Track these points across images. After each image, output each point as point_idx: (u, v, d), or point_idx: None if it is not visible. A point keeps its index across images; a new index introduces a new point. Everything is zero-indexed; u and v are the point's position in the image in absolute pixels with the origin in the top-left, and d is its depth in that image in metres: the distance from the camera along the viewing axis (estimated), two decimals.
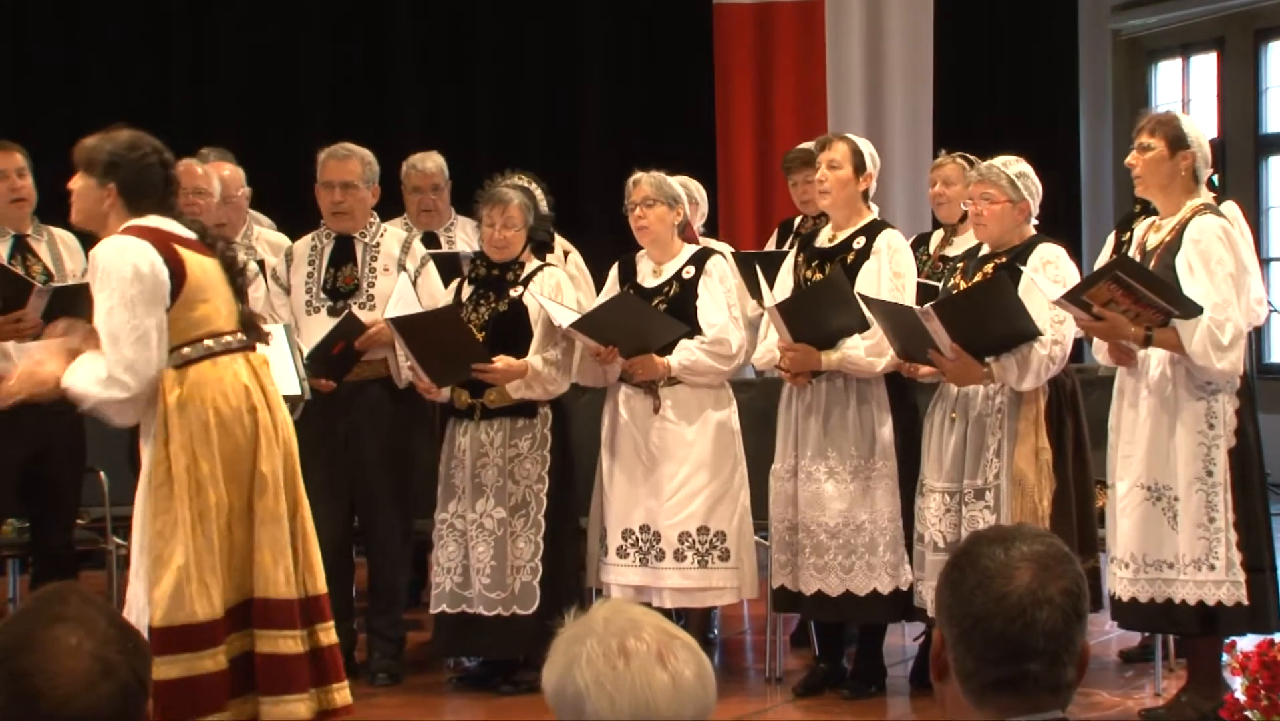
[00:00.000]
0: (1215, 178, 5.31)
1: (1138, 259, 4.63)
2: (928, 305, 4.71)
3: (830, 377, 5.00)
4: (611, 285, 5.35)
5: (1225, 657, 4.15)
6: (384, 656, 5.33)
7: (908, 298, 4.96)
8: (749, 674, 5.58)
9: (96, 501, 5.43)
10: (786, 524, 5.06)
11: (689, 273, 5.20)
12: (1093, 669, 4.22)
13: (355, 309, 5.26)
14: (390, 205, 5.93)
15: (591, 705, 1.71)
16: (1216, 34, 9.63)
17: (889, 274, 4.97)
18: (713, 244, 5.92)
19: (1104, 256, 5.31)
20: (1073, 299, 4.52)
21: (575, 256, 5.97)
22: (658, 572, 5.09)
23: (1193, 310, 4.44)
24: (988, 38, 9.48)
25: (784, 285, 5.21)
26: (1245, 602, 4.48)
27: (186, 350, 3.84)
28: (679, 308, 5.14)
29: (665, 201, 5.18)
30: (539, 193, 5.32)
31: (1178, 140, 4.60)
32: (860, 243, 5.05)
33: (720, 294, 5.17)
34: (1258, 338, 8.58)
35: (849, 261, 5.03)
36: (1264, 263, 8.46)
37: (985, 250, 4.91)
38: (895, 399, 5.00)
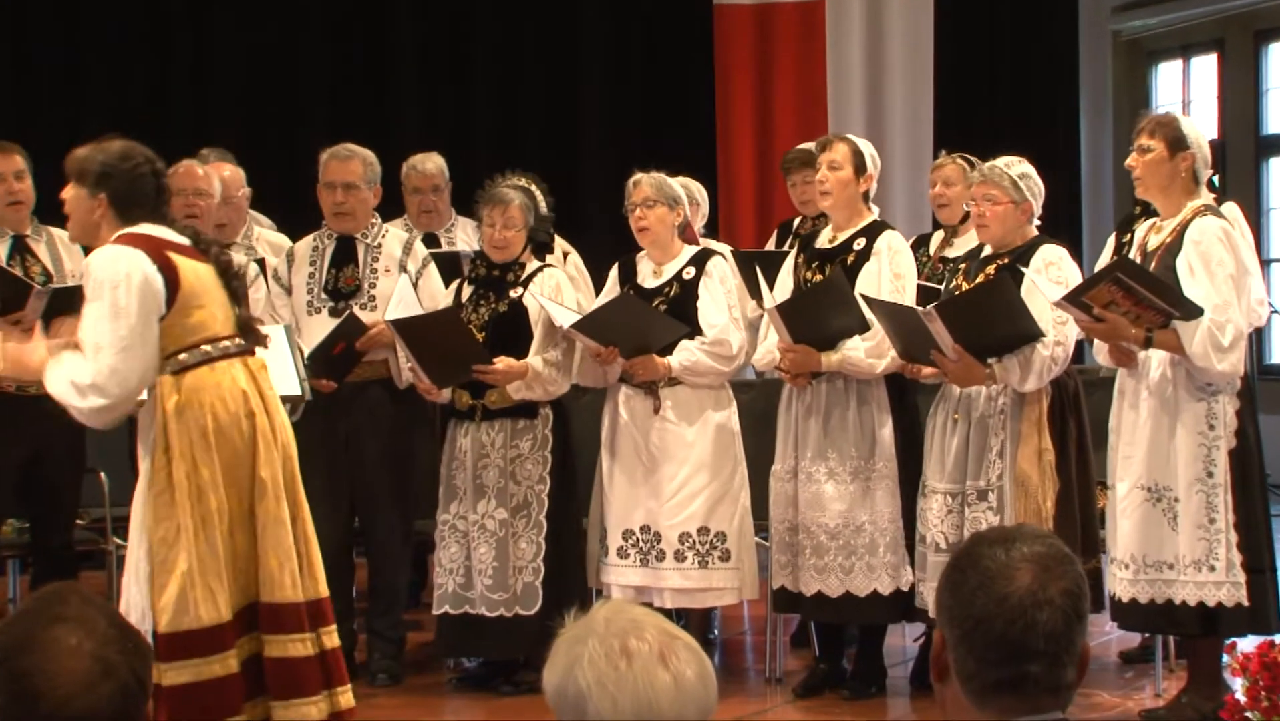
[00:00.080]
0: (1216, 179, 5.31)
1: (1138, 260, 4.63)
2: (930, 306, 4.71)
3: (830, 379, 4.99)
4: (611, 286, 5.35)
5: (1225, 658, 4.15)
6: (384, 657, 5.33)
7: (908, 299, 4.96)
8: (749, 674, 5.58)
9: (96, 502, 5.43)
10: (787, 525, 5.06)
11: (689, 273, 5.20)
12: (1093, 669, 4.22)
13: (356, 309, 5.26)
14: (390, 206, 5.93)
15: (594, 705, 1.71)
16: (1217, 35, 9.63)
17: (889, 275, 4.97)
18: (713, 244, 5.92)
19: (1104, 258, 5.30)
20: (1073, 300, 4.52)
21: (574, 257, 5.97)
22: (658, 573, 5.09)
23: (1193, 311, 4.44)
24: (988, 38, 9.48)
25: (784, 286, 5.21)
26: (1245, 603, 4.48)
27: (183, 356, 3.84)
28: (679, 308, 5.14)
29: (665, 202, 5.18)
30: (539, 193, 5.32)
31: (1177, 141, 4.60)
32: (860, 244, 5.05)
33: (721, 295, 5.17)
34: (1258, 339, 8.58)
35: (849, 262, 5.03)
36: (1264, 264, 8.46)
37: (987, 251, 4.91)
38: (895, 400, 5.00)
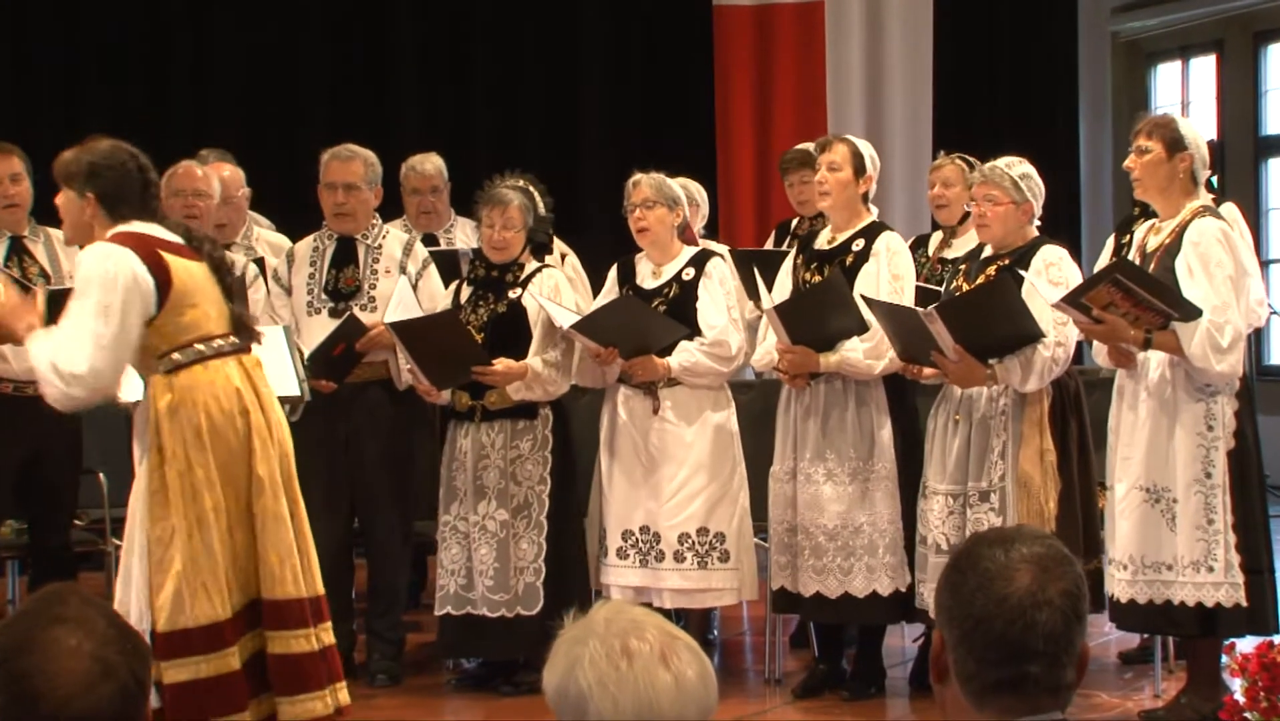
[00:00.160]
0: (1215, 179, 5.31)
1: (1137, 261, 4.63)
2: (931, 306, 4.71)
3: (829, 380, 5.00)
4: (610, 286, 5.35)
5: (1224, 659, 4.15)
6: (383, 658, 5.33)
7: (906, 300, 4.96)
8: (748, 675, 5.58)
9: (95, 502, 5.42)
10: (786, 525, 5.06)
11: (689, 274, 5.20)
12: (1092, 670, 4.22)
13: (356, 310, 5.26)
14: (390, 207, 5.93)
15: (595, 706, 1.71)
16: (1216, 36, 9.63)
17: (888, 276, 4.98)
18: (713, 245, 5.92)
19: (1104, 259, 5.30)
20: (1072, 302, 4.52)
21: (572, 259, 5.97)
22: (657, 573, 5.10)
23: (1192, 312, 4.44)
24: (987, 39, 9.49)
25: (783, 287, 5.21)
26: (1244, 604, 4.48)
27: (176, 355, 3.84)
28: (679, 309, 5.14)
29: (665, 203, 5.18)
30: (537, 194, 5.32)
31: (1175, 143, 4.60)
32: (859, 245, 5.05)
33: (720, 296, 5.17)
34: (1257, 340, 8.58)
35: (848, 263, 5.03)
36: (1264, 264, 8.46)
37: (988, 252, 4.91)
38: (894, 401, 5.00)
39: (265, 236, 5.94)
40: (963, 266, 5.05)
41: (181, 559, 3.77)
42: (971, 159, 5.57)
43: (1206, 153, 4.71)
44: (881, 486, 4.96)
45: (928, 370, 4.81)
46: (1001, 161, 4.86)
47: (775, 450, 5.12)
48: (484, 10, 9.12)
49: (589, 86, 9.16)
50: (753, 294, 5.48)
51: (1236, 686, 3.92)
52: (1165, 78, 10.05)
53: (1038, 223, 4.89)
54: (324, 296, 5.34)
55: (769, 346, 5.09)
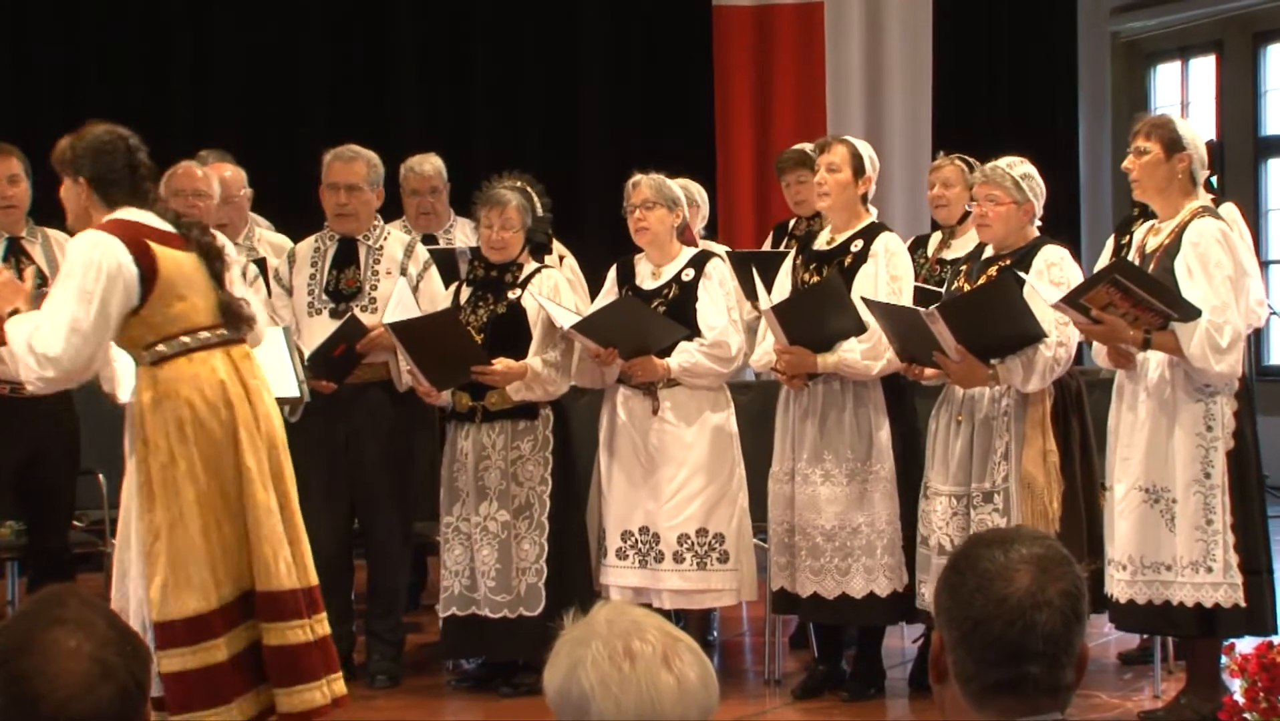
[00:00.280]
0: (1215, 179, 5.30)
1: (1136, 262, 4.63)
2: (933, 306, 4.71)
3: (827, 380, 5.00)
4: (610, 287, 5.35)
5: (1224, 660, 4.15)
6: (383, 659, 5.33)
7: (904, 301, 4.96)
8: (748, 676, 5.58)
9: (94, 504, 5.42)
10: (785, 526, 5.06)
11: (688, 275, 5.20)
12: (1092, 671, 4.22)
13: (357, 311, 5.26)
14: (390, 207, 5.93)
15: (597, 706, 1.71)
16: (1215, 36, 9.63)
17: (886, 277, 4.97)
18: (713, 246, 5.92)
19: (1103, 260, 5.30)
20: (1071, 302, 4.52)
21: (570, 260, 5.96)
22: (657, 574, 5.10)
23: (1191, 313, 4.44)
24: (987, 40, 9.49)
25: (782, 288, 5.21)
26: (1243, 605, 4.48)
27: (161, 347, 3.85)
28: (678, 310, 5.14)
29: (665, 204, 5.18)
30: (535, 195, 5.32)
31: (1173, 143, 4.60)
32: (858, 245, 5.05)
33: (720, 296, 5.17)
34: (1257, 340, 8.58)
35: (846, 264, 5.03)
36: (1263, 265, 8.47)
37: (989, 252, 4.91)
38: (892, 402, 4.99)
39: (267, 237, 5.94)
40: (964, 267, 5.05)
41: (166, 551, 3.79)
42: (971, 159, 5.57)
43: (1205, 153, 4.71)
44: (879, 487, 4.96)
45: (929, 371, 4.81)
46: (1003, 161, 4.86)
47: (774, 451, 5.12)
48: (484, 10, 9.12)
49: (589, 87, 9.16)
50: (751, 295, 5.48)
51: (1236, 687, 3.92)
52: (1165, 78, 10.05)
53: (1038, 223, 4.89)
54: (325, 297, 5.34)
55: (768, 347, 5.09)
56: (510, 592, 5.09)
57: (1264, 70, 9.49)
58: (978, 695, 1.87)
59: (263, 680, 3.89)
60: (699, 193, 6.15)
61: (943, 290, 5.15)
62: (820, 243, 5.17)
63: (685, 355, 5.09)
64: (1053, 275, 4.71)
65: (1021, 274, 4.70)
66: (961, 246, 5.56)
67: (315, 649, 3.92)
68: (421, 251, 5.45)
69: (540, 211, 5.30)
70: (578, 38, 9.19)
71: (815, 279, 5.08)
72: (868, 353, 4.90)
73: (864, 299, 4.88)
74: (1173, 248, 4.55)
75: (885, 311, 4.81)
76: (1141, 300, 4.44)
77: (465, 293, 5.31)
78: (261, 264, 5.45)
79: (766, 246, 6.53)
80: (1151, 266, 4.57)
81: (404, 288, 5.20)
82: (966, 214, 5.54)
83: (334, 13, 8.96)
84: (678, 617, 5.13)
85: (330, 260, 5.37)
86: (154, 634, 3.76)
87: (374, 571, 5.50)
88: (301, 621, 3.90)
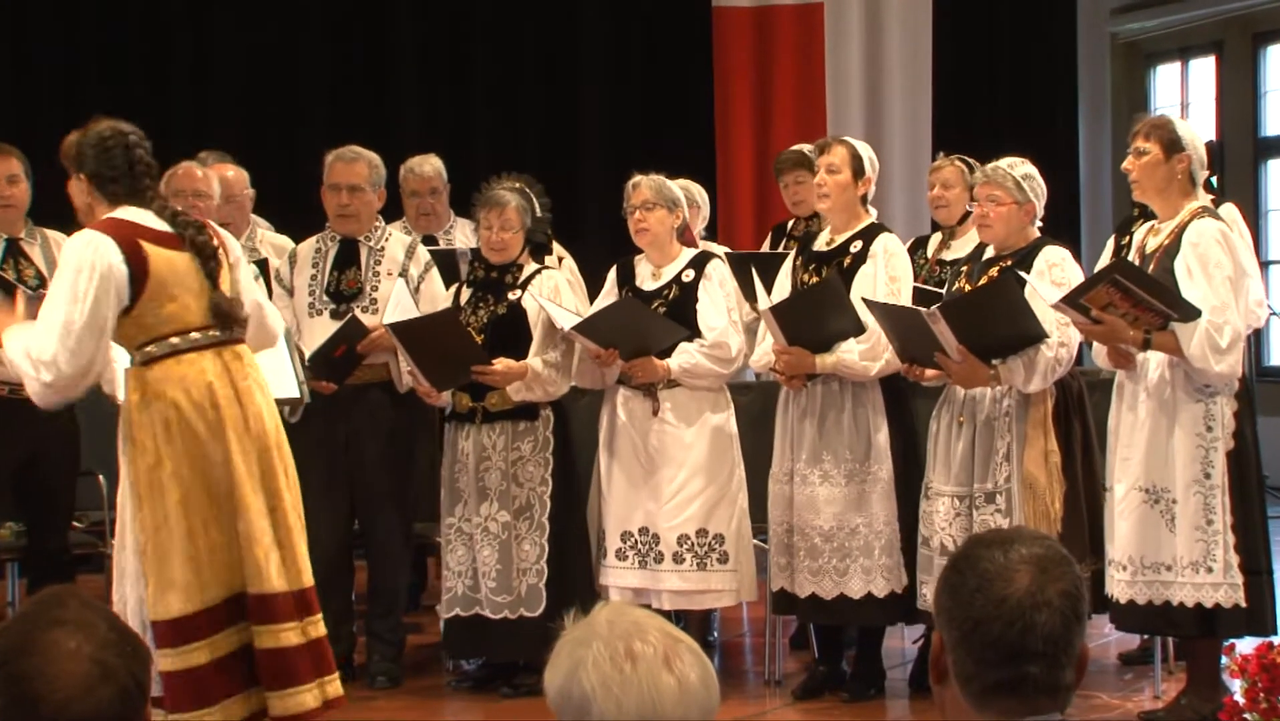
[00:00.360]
0: (1215, 180, 5.30)
1: (1136, 263, 4.63)
2: (934, 307, 4.71)
3: (826, 381, 5.00)
4: (610, 288, 5.35)
5: (1224, 660, 4.15)
6: (383, 659, 5.33)
7: (903, 302, 4.96)
8: (748, 676, 5.58)
9: (94, 504, 5.42)
10: (785, 526, 5.06)
11: (688, 276, 5.20)
12: (1092, 671, 4.22)
13: (358, 312, 5.26)
14: (390, 208, 5.93)
15: (598, 707, 1.71)
16: (1215, 37, 9.63)
17: (885, 278, 4.98)
18: (713, 247, 5.92)
19: (1104, 261, 5.30)
20: (1071, 302, 4.52)
21: (569, 262, 5.97)
22: (656, 575, 5.10)
23: (1191, 313, 4.44)
24: (987, 40, 9.49)
25: (782, 288, 5.21)
26: (1243, 605, 4.48)
27: (151, 348, 3.85)
28: (678, 311, 5.14)
29: (665, 205, 5.18)
30: (534, 195, 5.32)
31: (1172, 144, 4.60)
32: (857, 246, 5.05)
33: (720, 297, 5.17)
34: (1256, 341, 8.58)
35: (845, 265, 5.04)
36: (1263, 265, 8.46)
37: (990, 253, 4.91)
38: (891, 403, 5.00)
39: (269, 238, 5.94)
40: (964, 268, 5.05)
41: (155, 552, 3.79)
42: (971, 160, 5.58)
43: (1204, 153, 4.71)
44: (878, 488, 4.96)
45: (929, 372, 4.80)
46: (1004, 162, 4.86)
47: (774, 451, 5.12)
48: (484, 10, 9.12)
49: (589, 87, 9.16)
50: (750, 296, 5.48)
51: (1236, 687, 3.92)
52: (1165, 79, 10.05)
53: (1039, 223, 4.89)
54: (325, 298, 5.34)
55: (767, 348, 5.09)
56: (511, 593, 5.09)
57: (1264, 71, 9.49)
58: (978, 695, 1.87)
59: (254, 682, 3.88)
60: (699, 193, 6.15)
61: (943, 291, 5.15)
62: (820, 243, 5.17)
63: (685, 356, 5.09)
64: (1054, 276, 4.71)
65: (1023, 274, 4.70)
66: (961, 247, 5.56)
67: (307, 651, 3.90)
68: (423, 253, 5.45)
69: (539, 212, 5.30)
70: (578, 38, 9.19)
71: (815, 280, 5.08)
72: (866, 353, 4.90)
73: (865, 299, 4.87)
74: (1172, 248, 4.55)
75: (886, 312, 4.81)
76: (1141, 300, 4.44)
77: (465, 294, 5.31)
78: (263, 265, 5.44)
79: (765, 248, 6.53)
80: (1151, 267, 4.57)
81: (402, 288, 5.20)
82: (966, 215, 5.54)
83: (334, 13, 8.96)
84: (678, 618, 5.13)
85: (331, 261, 5.37)
86: (151, 633, 3.77)
87: (374, 572, 5.50)
88: (293, 624, 3.88)
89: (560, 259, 5.83)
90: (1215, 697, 4.40)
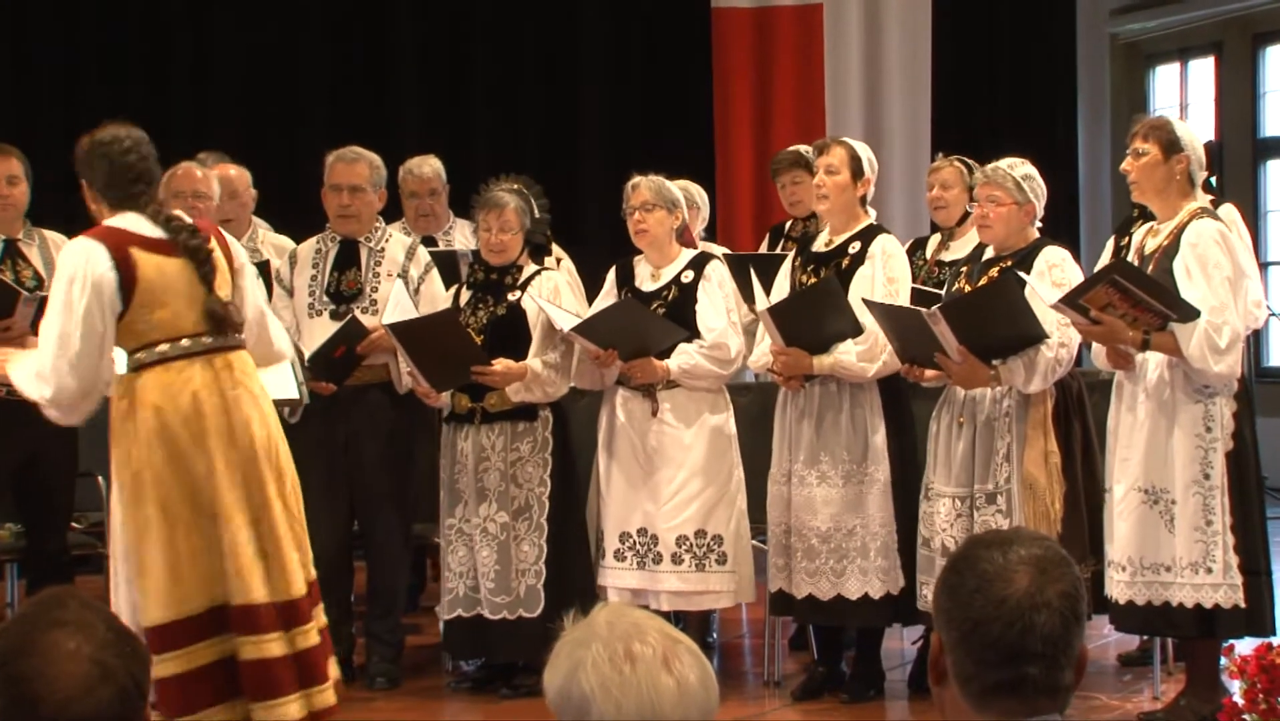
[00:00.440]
0: (1214, 180, 5.30)
1: (1135, 263, 4.63)
2: (935, 307, 4.71)
3: (824, 382, 5.00)
4: (609, 288, 5.35)
5: (1223, 661, 4.15)
6: (383, 660, 5.33)
7: (901, 303, 4.96)
8: (747, 677, 5.58)
9: (93, 506, 5.42)
10: (783, 527, 5.06)
11: (688, 277, 5.20)
12: (1091, 672, 4.22)
13: (358, 313, 5.26)
14: (390, 208, 5.93)
15: (598, 708, 1.71)
16: (1215, 38, 9.64)
17: (883, 279, 4.98)
18: (712, 248, 5.92)
19: (1104, 261, 5.30)
20: (1070, 303, 4.52)
21: (568, 263, 5.97)
22: (655, 575, 5.10)
23: (1190, 314, 4.44)
24: (986, 41, 9.49)
25: (781, 289, 5.21)
26: (1243, 605, 4.48)
27: (140, 355, 3.84)
28: (678, 312, 5.14)
29: (664, 206, 5.18)
30: (533, 196, 5.32)
31: (1171, 145, 4.60)
32: (855, 247, 5.06)
33: (719, 298, 5.17)
34: (1256, 341, 8.58)
35: (844, 266, 5.04)
36: (1262, 266, 8.48)
37: (989, 253, 4.91)
38: (889, 404, 5.00)
39: (270, 239, 5.94)
40: (964, 269, 5.05)
41: (136, 560, 3.81)
42: (970, 161, 5.58)
43: (1203, 154, 4.71)
44: (875, 489, 4.96)
45: (929, 372, 4.80)
46: (1004, 162, 4.86)
47: (773, 452, 5.13)
48: (484, 10, 9.13)
49: (589, 87, 9.16)
50: (748, 298, 5.48)
51: (1235, 688, 3.92)
52: (1164, 79, 10.06)
53: (1039, 224, 4.89)
54: (325, 299, 5.34)
55: (765, 348, 5.09)
56: (510, 594, 5.09)
57: (1263, 72, 9.50)
58: (977, 696, 1.87)
59: (238, 694, 3.86)
60: (699, 194, 6.15)
61: (941, 292, 5.15)
62: (819, 244, 5.17)
63: (685, 357, 5.09)
64: (1054, 276, 4.71)
65: (1023, 275, 4.70)
66: (960, 248, 5.56)
67: (292, 662, 3.87)
68: (423, 254, 5.45)
69: (538, 213, 5.30)
70: (578, 38, 9.19)
71: (813, 280, 5.08)
72: (863, 355, 4.91)
73: (865, 300, 4.88)
74: (1171, 249, 4.55)
75: (886, 312, 4.81)
76: (1140, 301, 4.45)
77: (465, 295, 5.31)
78: (264, 266, 5.43)
79: (762, 249, 6.53)
80: (1150, 267, 4.57)
81: (401, 289, 5.20)
82: (965, 215, 5.54)
83: (334, 13, 8.96)
84: (677, 619, 5.14)
85: (331, 262, 5.37)
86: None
87: (373, 573, 5.50)
88: (277, 635, 3.85)
89: (559, 260, 5.84)
90: (1214, 698, 4.40)
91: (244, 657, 3.83)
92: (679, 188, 5.36)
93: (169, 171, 5.30)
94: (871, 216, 5.17)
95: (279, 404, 4.20)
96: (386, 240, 5.41)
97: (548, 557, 5.09)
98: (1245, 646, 4.00)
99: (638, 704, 1.71)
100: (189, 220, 4.01)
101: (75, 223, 4.46)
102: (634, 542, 5.13)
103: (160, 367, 3.83)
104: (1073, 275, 4.76)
